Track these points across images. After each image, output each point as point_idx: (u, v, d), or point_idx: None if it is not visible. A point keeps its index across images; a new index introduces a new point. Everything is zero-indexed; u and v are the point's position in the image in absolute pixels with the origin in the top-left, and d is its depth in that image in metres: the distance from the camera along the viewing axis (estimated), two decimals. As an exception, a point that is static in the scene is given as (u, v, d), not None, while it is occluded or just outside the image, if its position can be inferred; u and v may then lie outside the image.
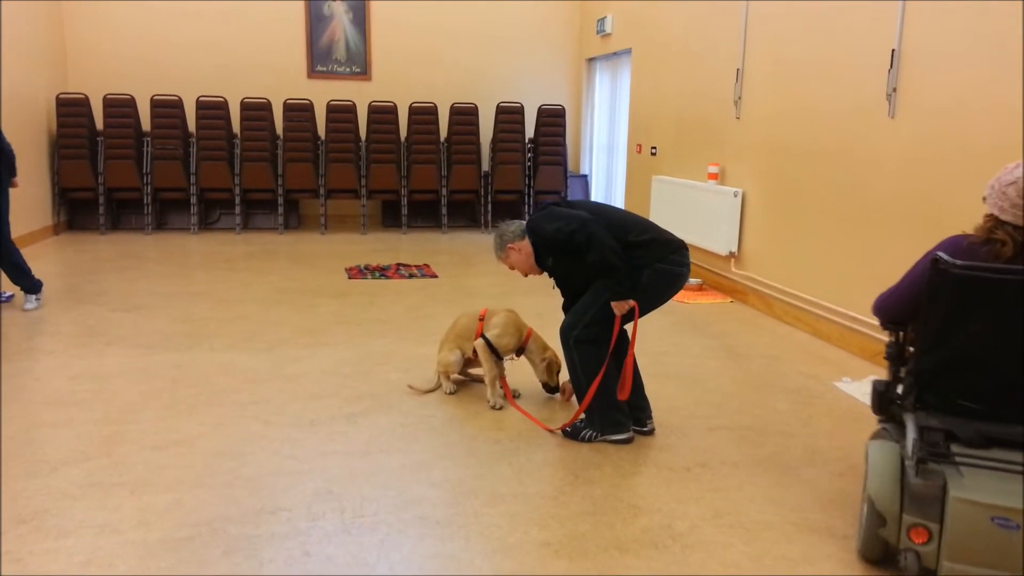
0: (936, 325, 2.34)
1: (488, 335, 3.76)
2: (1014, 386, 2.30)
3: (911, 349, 2.54)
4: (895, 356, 2.62)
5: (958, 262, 2.26)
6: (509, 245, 3.43)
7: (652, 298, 3.25)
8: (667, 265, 3.21)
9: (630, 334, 3.35)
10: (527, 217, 3.77)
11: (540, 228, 3.27)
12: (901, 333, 2.61)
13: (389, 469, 3.04)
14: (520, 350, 3.80)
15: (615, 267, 3.10)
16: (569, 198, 3.46)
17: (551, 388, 3.81)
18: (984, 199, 2.41)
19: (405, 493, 2.84)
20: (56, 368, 4.14)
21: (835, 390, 4.07)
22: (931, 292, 2.31)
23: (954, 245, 2.40)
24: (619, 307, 3.18)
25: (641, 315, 3.24)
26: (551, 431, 3.43)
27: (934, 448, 2.26)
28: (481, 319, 3.84)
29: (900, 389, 2.54)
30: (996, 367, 2.31)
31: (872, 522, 2.36)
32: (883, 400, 2.62)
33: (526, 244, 3.39)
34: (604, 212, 3.29)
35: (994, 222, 2.36)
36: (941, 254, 2.29)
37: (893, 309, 2.59)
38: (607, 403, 3.29)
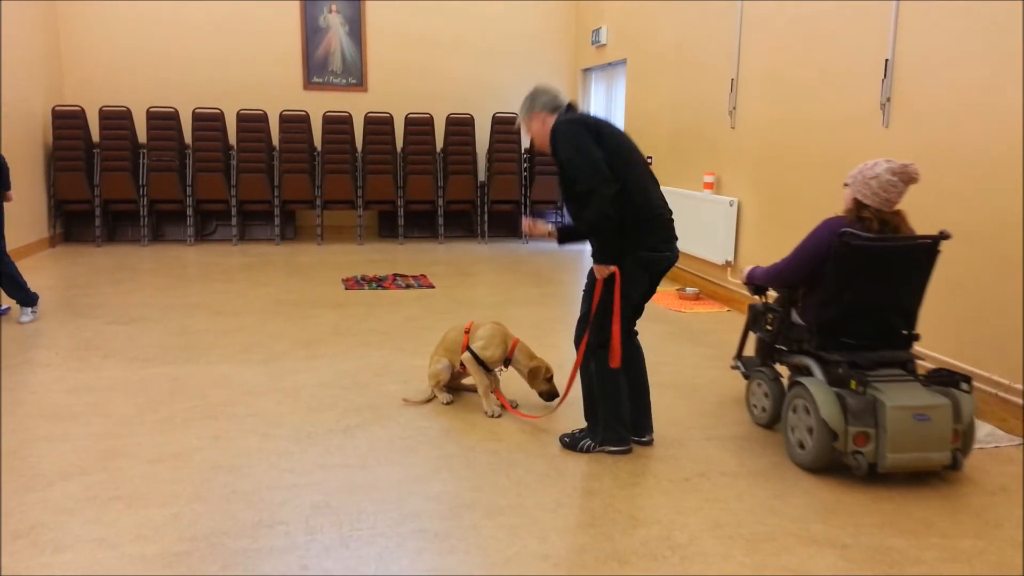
0: (836, 284, 3.14)
1: (473, 347, 3.78)
2: (889, 325, 3.26)
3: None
4: (783, 315, 3.48)
5: (859, 234, 3.05)
6: (536, 112, 3.32)
7: (632, 284, 3.17)
8: (650, 252, 3.16)
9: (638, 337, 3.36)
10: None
11: (559, 141, 3.14)
12: (778, 296, 3.53)
13: (387, 482, 3.03)
14: (507, 361, 3.80)
15: (602, 233, 3.06)
16: (597, 117, 3.26)
17: (546, 396, 3.79)
18: (846, 185, 3.22)
19: (403, 506, 2.83)
20: (52, 381, 4.13)
21: (833, 399, 4.07)
22: (836, 259, 3.09)
23: (837, 225, 3.13)
24: (600, 271, 3.14)
25: (623, 298, 3.17)
26: (532, 418, 3.43)
27: (859, 375, 3.04)
28: (467, 332, 3.86)
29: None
30: (876, 312, 3.22)
31: (825, 440, 3.04)
32: (768, 350, 3.62)
33: (552, 119, 3.27)
34: (624, 165, 3.11)
35: (859, 205, 3.15)
36: (848, 229, 3.05)
37: (791, 278, 3.39)
38: (614, 415, 3.27)
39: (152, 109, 8.61)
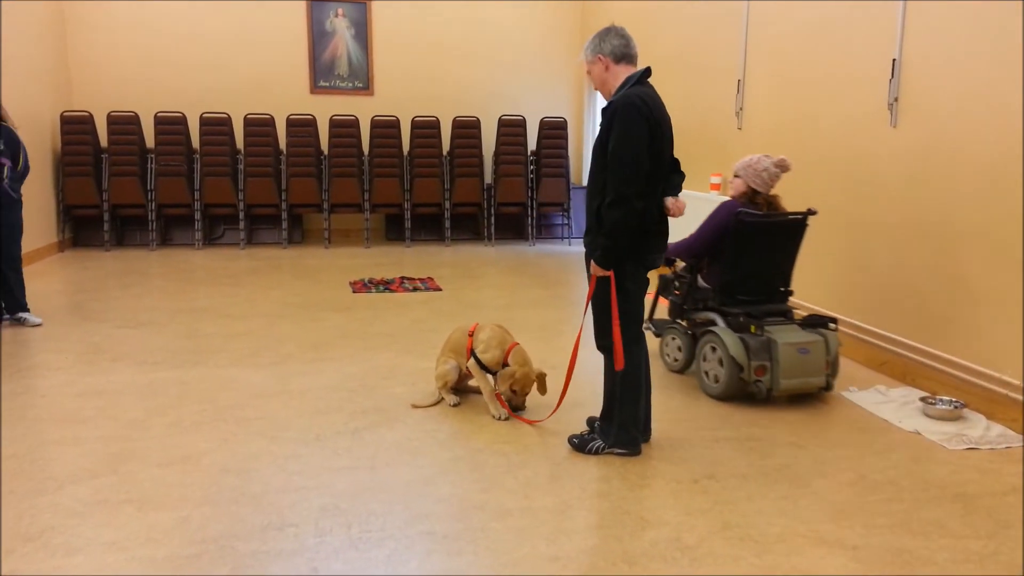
0: (734, 253, 4.01)
1: (476, 351, 3.80)
2: (772, 284, 4.19)
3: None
4: (691, 281, 4.28)
5: (752, 212, 3.98)
6: (602, 56, 3.16)
7: (635, 279, 3.19)
8: (650, 255, 3.19)
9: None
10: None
11: (617, 123, 2.99)
12: (684, 265, 4.38)
13: (395, 484, 3.03)
14: (506, 364, 3.79)
15: (616, 238, 3.03)
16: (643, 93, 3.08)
17: (514, 404, 3.74)
18: (736, 176, 4.11)
19: (412, 508, 2.83)
20: (62, 385, 4.14)
21: (842, 400, 4.06)
22: (735, 233, 3.94)
23: (733, 207, 4.01)
24: (597, 270, 3.12)
25: (628, 294, 3.18)
26: (532, 422, 3.44)
27: (756, 322, 3.93)
28: (471, 335, 3.86)
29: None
30: (764, 274, 4.13)
31: (734, 373, 3.89)
32: (678, 310, 4.42)
33: (618, 69, 3.14)
34: (655, 181, 3.09)
35: (751, 191, 4.08)
36: (743, 209, 3.96)
37: (698, 250, 4.18)
38: (631, 418, 3.26)
39: (160, 114, 8.64)
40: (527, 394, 3.77)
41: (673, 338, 4.47)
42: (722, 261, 4.06)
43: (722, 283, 4.09)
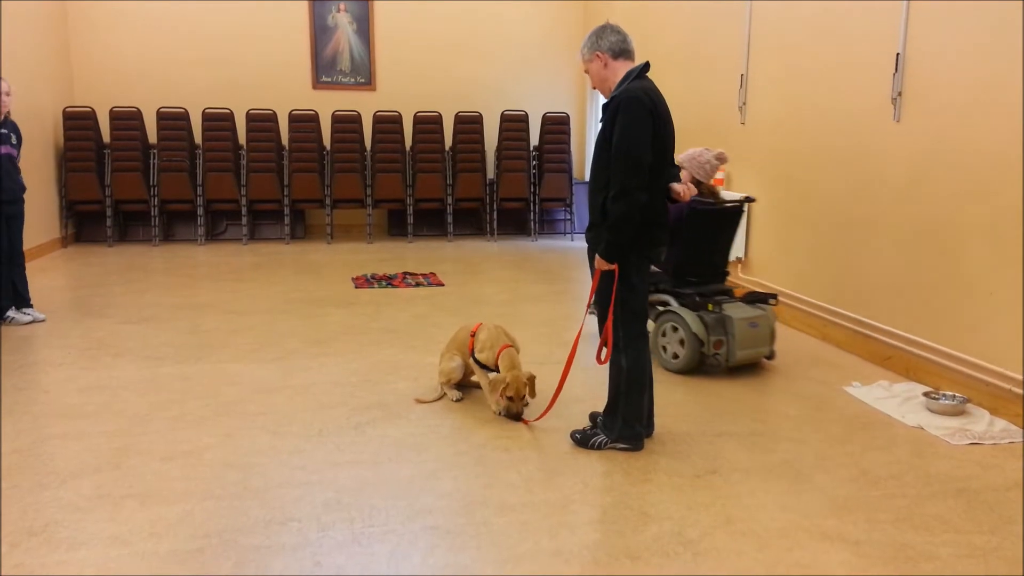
0: (688, 239, 4.36)
1: (474, 351, 3.81)
2: (716, 265, 4.57)
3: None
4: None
5: (703, 200, 4.36)
6: (600, 52, 3.14)
7: (639, 273, 3.19)
8: (653, 247, 3.19)
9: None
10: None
11: (621, 117, 2.98)
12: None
13: (398, 479, 3.03)
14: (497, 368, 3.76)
15: (621, 231, 3.02)
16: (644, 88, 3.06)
17: (512, 412, 3.63)
18: (681, 166, 4.40)
19: (415, 503, 2.84)
20: (65, 380, 4.15)
21: (845, 395, 4.05)
22: (689, 221, 4.31)
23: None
24: (602, 264, 3.12)
25: (632, 289, 3.18)
26: (526, 422, 3.50)
27: (713, 300, 4.31)
28: (472, 334, 3.88)
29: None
30: (710, 257, 4.53)
31: (695, 347, 4.23)
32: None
33: (616, 65, 3.13)
34: (658, 173, 3.09)
35: (695, 181, 4.42)
36: (696, 198, 4.21)
37: None
38: (634, 413, 3.27)
39: (162, 109, 8.65)
40: (523, 398, 3.61)
41: None
42: (676, 246, 4.31)
43: (676, 266, 4.46)
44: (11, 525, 2.65)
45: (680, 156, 4.43)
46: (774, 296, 4.44)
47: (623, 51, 3.16)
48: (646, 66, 3.17)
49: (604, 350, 3.25)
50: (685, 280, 4.47)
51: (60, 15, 8.56)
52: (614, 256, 3.10)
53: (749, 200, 4.68)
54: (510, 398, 3.60)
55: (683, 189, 3.20)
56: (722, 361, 4.25)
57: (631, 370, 3.22)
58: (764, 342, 4.33)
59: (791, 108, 5.43)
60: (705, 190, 4.46)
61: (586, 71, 3.26)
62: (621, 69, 3.16)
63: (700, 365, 4.30)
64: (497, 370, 3.76)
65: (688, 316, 4.23)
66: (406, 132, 9.25)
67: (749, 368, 4.48)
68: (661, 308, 4.45)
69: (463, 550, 2.52)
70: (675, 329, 4.33)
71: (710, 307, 4.26)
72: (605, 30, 3.18)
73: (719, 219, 4.45)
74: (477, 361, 3.80)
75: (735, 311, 4.25)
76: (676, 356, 4.33)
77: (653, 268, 4.23)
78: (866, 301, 4.67)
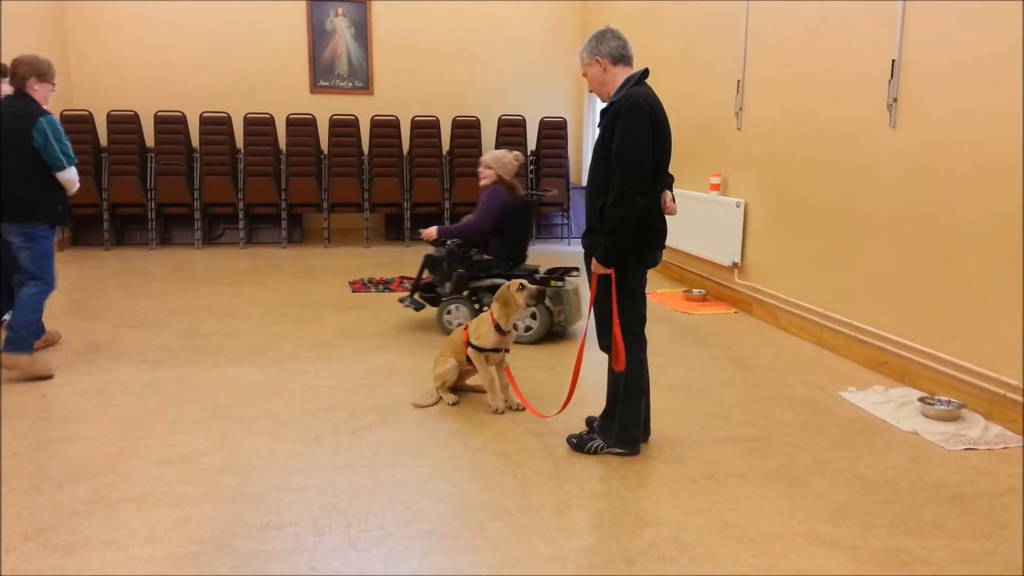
0: (514, 227, 5.19)
1: (472, 340, 3.81)
2: (525, 250, 5.38)
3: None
4: (470, 256, 5.12)
5: (522, 193, 5.25)
6: (599, 57, 3.15)
7: (636, 277, 3.20)
8: (651, 251, 3.20)
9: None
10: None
11: (620, 123, 2.98)
12: (455, 245, 5.13)
13: (395, 483, 3.03)
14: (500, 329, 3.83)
15: (619, 236, 3.03)
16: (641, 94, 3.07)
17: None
18: (488, 166, 5.20)
19: (411, 507, 2.84)
20: (62, 384, 4.15)
21: (841, 400, 4.06)
22: (517, 212, 5.17)
23: (503, 191, 5.13)
24: (599, 268, 3.13)
25: (629, 293, 3.19)
26: (544, 417, 3.44)
27: (555, 277, 5.03)
28: (466, 329, 3.91)
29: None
30: (523, 243, 5.34)
31: (548, 318, 5.01)
32: (464, 282, 5.16)
33: (616, 71, 3.14)
34: (656, 178, 3.10)
35: (499, 178, 5.18)
36: (519, 192, 5.22)
37: (487, 228, 5.13)
38: (632, 418, 3.27)
39: (159, 113, 8.65)
40: (536, 292, 3.81)
41: (457, 307, 5.15)
42: (504, 235, 5.17)
43: (508, 252, 5.20)
44: (7, 529, 2.64)
45: (487, 157, 5.24)
46: (576, 268, 5.13)
47: (623, 57, 3.17)
48: (645, 72, 3.18)
49: (616, 355, 3.22)
50: (510, 264, 5.19)
51: (58, 18, 8.57)
52: (612, 260, 3.10)
53: (545, 192, 5.86)
54: (521, 287, 3.82)
55: (671, 202, 3.23)
56: (564, 327, 5.12)
57: (629, 375, 3.22)
58: (580, 309, 5.20)
59: (787, 113, 5.45)
60: (506, 185, 5.20)
61: (585, 75, 3.27)
62: (620, 74, 3.17)
63: (546, 334, 5.06)
64: (502, 350, 3.82)
65: (504, 293, 4.58)
66: (403, 136, 9.26)
67: (743, 372, 4.49)
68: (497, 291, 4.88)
69: (459, 554, 2.53)
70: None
71: (552, 283, 4.97)
72: (605, 35, 3.19)
73: (530, 210, 5.35)
74: (479, 348, 3.79)
75: (563, 284, 5.06)
76: (529, 329, 5.02)
77: (482, 257, 5.11)
78: (862, 306, 4.68)
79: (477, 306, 5.10)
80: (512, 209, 5.15)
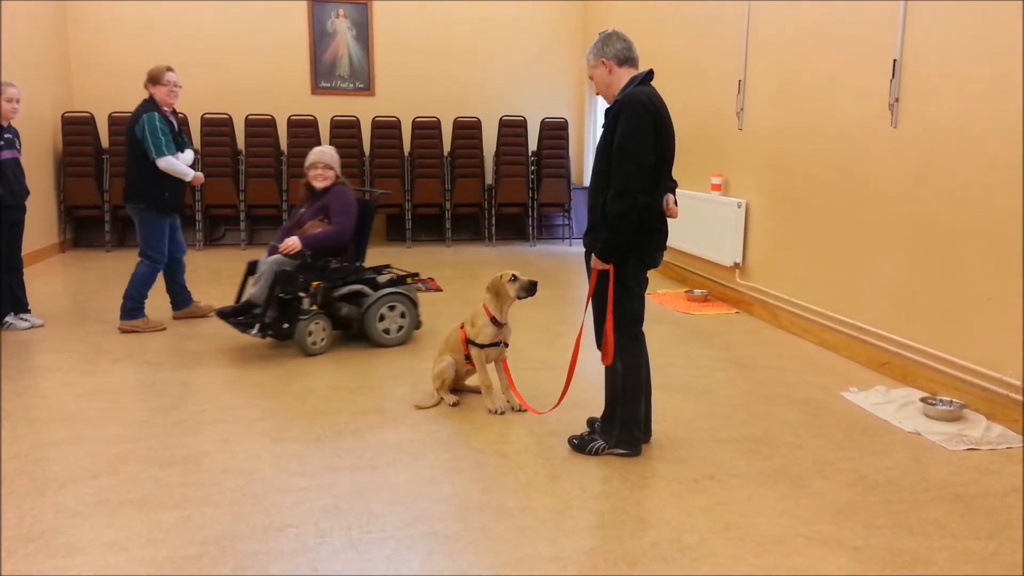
0: (358, 233, 5.03)
1: (470, 336, 3.82)
2: (364, 252, 5.15)
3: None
4: (322, 268, 4.77)
5: (374, 193, 5.30)
6: (605, 59, 3.16)
7: (635, 276, 3.20)
8: (652, 253, 3.20)
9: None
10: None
11: (623, 120, 3.00)
12: (306, 259, 4.70)
13: (396, 484, 3.03)
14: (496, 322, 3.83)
15: (618, 232, 3.03)
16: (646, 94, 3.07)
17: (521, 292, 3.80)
18: (330, 167, 4.95)
19: (413, 508, 2.84)
20: (63, 386, 4.15)
21: (843, 400, 4.06)
22: (370, 214, 5.08)
23: (348, 192, 4.96)
24: (598, 263, 3.13)
25: (628, 291, 3.19)
26: (538, 412, 3.44)
27: (415, 282, 5.12)
28: (462, 327, 3.92)
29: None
30: (362, 245, 5.13)
31: (415, 319, 5.02)
32: (325, 294, 4.76)
33: (621, 72, 3.15)
34: (659, 178, 3.10)
35: (338, 179, 4.99)
36: (367, 198, 5.17)
37: (351, 232, 4.90)
38: (632, 418, 3.27)
39: (161, 115, 8.65)
40: (527, 284, 3.76)
41: (318, 322, 4.72)
42: (358, 238, 5.02)
43: (360, 256, 5.08)
44: (9, 531, 2.65)
45: (327, 158, 4.95)
46: (415, 274, 5.21)
47: (628, 58, 3.18)
48: (650, 73, 3.19)
49: (605, 350, 3.23)
50: (360, 268, 5.01)
51: (60, 19, 8.58)
52: (610, 256, 3.10)
53: (382, 193, 5.55)
54: (513, 278, 3.77)
55: (673, 206, 3.23)
56: (420, 324, 5.08)
57: (627, 375, 3.23)
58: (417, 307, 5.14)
59: (789, 114, 5.45)
60: (347, 185, 5.04)
61: (590, 77, 3.28)
62: (625, 76, 3.18)
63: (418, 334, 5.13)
64: (501, 344, 3.82)
65: (408, 293, 4.92)
66: (404, 137, 9.27)
67: (744, 373, 4.49)
68: (369, 295, 4.84)
69: (461, 555, 2.53)
70: (392, 308, 4.89)
71: (408, 280, 5.01)
72: (611, 37, 3.20)
73: (373, 210, 5.18)
74: (478, 345, 3.79)
75: (409, 289, 5.03)
76: (400, 328, 4.93)
77: (339, 264, 4.86)
78: (864, 306, 4.68)
79: (373, 303, 4.82)
80: (359, 209, 4.99)
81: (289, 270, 4.62)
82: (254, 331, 4.56)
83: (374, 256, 8.53)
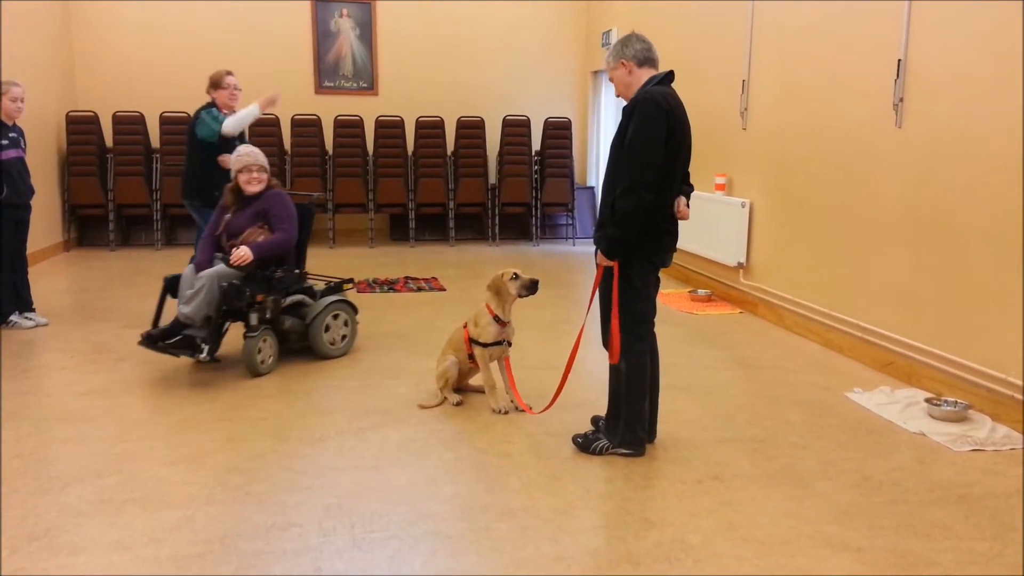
0: (305, 238, 4.76)
1: (473, 336, 3.81)
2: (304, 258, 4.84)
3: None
4: (268, 280, 4.41)
5: (310, 197, 4.98)
6: (625, 60, 3.19)
7: (642, 277, 3.20)
8: (660, 253, 3.20)
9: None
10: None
11: (637, 116, 3.01)
12: (251, 270, 4.31)
13: (399, 484, 3.03)
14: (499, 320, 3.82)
15: (625, 227, 3.02)
16: (662, 97, 3.06)
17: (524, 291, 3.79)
18: (264, 168, 4.62)
19: (416, 508, 2.84)
20: (67, 385, 4.16)
21: (847, 401, 4.05)
22: (311, 218, 4.87)
23: (282, 194, 4.62)
24: (603, 260, 3.13)
25: (635, 291, 3.18)
26: (531, 412, 3.44)
27: (334, 289, 4.85)
28: (465, 327, 3.91)
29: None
30: (302, 251, 4.77)
31: (356, 327, 4.85)
32: (276, 307, 4.44)
33: (640, 73, 3.17)
34: (670, 178, 3.11)
35: (269, 178, 4.69)
36: (309, 201, 4.90)
37: (293, 247, 4.55)
38: (636, 418, 3.26)
39: (165, 114, 8.66)
40: (528, 282, 3.76)
41: (266, 340, 4.37)
42: (298, 245, 4.65)
43: (301, 261, 4.76)
44: (12, 530, 2.65)
45: (257, 158, 4.59)
46: (351, 279, 5.08)
47: (647, 59, 3.20)
48: (670, 74, 3.20)
49: (612, 349, 3.22)
50: (302, 275, 4.75)
51: (63, 19, 8.59)
52: (615, 252, 3.10)
53: (325, 195, 5.41)
54: (515, 276, 3.76)
55: (684, 208, 3.23)
56: (356, 332, 4.86)
57: (630, 374, 3.22)
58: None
59: (793, 114, 5.43)
60: (276, 185, 4.75)
61: (611, 79, 3.30)
62: (644, 76, 3.20)
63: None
64: (504, 342, 3.82)
65: (348, 302, 4.76)
66: (408, 137, 9.26)
67: (748, 373, 4.48)
68: (310, 304, 4.62)
69: (464, 555, 2.52)
70: (336, 316, 4.68)
71: (345, 287, 4.88)
72: (631, 39, 3.22)
73: (312, 214, 4.93)
74: (482, 343, 3.79)
75: (348, 296, 4.88)
76: (344, 338, 4.73)
77: (282, 273, 4.50)
78: (868, 306, 4.67)
79: (320, 312, 4.58)
80: (310, 214, 4.84)
81: (238, 283, 4.21)
82: (203, 355, 4.13)
83: (374, 255, 8.55)
